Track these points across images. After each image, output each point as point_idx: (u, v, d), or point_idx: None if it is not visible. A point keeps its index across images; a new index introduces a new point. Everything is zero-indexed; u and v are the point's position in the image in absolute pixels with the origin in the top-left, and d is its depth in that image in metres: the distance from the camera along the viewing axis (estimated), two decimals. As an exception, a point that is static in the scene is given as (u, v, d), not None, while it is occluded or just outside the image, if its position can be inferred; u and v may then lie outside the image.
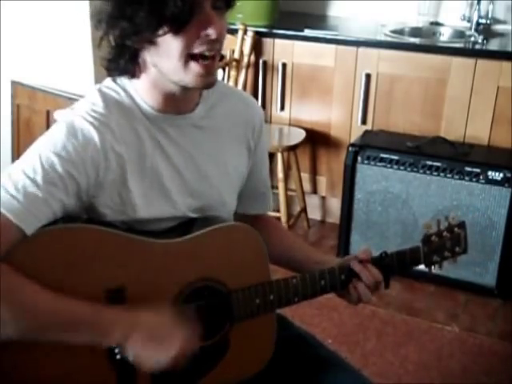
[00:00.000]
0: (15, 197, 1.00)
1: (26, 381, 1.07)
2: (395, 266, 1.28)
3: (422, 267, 1.32)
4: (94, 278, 1.07)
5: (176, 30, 1.02)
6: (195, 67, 1.06)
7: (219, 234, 1.17)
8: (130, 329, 1.04)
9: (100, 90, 1.14)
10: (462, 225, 1.34)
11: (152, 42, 1.05)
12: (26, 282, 1.00)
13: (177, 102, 1.15)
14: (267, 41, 2.99)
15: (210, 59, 1.08)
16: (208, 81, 1.10)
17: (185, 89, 1.11)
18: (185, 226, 1.19)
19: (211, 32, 1.04)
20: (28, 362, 1.06)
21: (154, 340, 1.05)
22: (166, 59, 1.06)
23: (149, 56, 1.09)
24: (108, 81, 1.17)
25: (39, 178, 1.02)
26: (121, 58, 1.10)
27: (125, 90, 1.14)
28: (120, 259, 1.09)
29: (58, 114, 1.12)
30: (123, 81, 1.15)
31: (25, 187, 1.01)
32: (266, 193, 1.40)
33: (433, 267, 1.32)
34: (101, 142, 1.08)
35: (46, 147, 1.06)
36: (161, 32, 1.03)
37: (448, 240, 1.32)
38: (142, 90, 1.13)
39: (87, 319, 1.03)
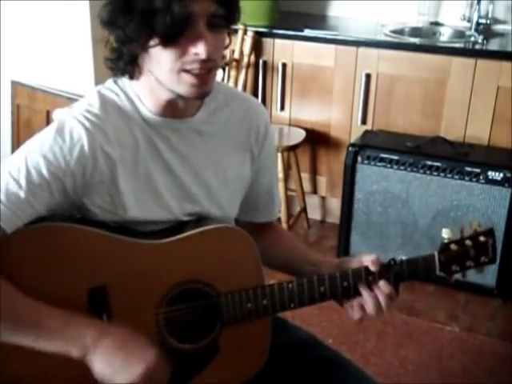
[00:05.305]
0: None
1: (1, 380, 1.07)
2: (405, 274, 1.20)
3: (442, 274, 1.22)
4: (75, 277, 1.07)
5: (165, 44, 1.02)
6: (187, 78, 1.05)
7: (209, 235, 1.16)
8: (100, 336, 1.03)
9: (99, 92, 1.14)
10: (489, 232, 1.22)
11: (145, 51, 1.05)
12: (1, 282, 1.00)
13: (176, 108, 1.13)
14: (267, 41, 2.99)
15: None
16: (202, 91, 1.08)
17: (181, 97, 1.10)
18: (177, 227, 1.17)
19: (200, 51, 1.02)
20: (2, 360, 1.06)
21: (124, 350, 1.03)
22: (159, 69, 1.06)
23: (144, 62, 1.09)
24: (109, 82, 1.16)
25: (22, 179, 1.04)
26: (120, 60, 1.10)
27: (125, 93, 1.14)
28: (102, 258, 1.08)
29: (56, 113, 1.12)
30: (124, 82, 1.15)
31: (7, 187, 1.03)
32: (269, 200, 1.36)
33: (453, 276, 1.23)
34: (89, 143, 1.08)
35: (34, 147, 1.07)
36: (152, 43, 1.02)
37: (471, 248, 1.21)
38: (141, 94, 1.13)
39: (56, 326, 1.02)
